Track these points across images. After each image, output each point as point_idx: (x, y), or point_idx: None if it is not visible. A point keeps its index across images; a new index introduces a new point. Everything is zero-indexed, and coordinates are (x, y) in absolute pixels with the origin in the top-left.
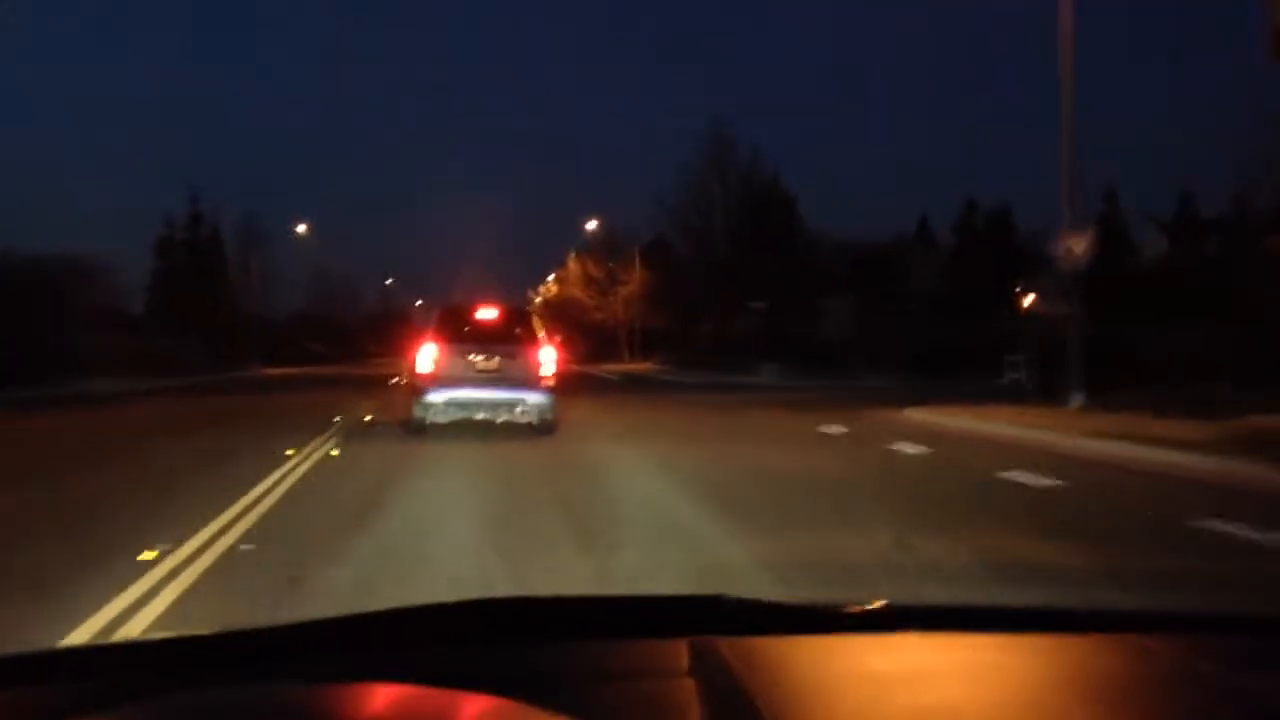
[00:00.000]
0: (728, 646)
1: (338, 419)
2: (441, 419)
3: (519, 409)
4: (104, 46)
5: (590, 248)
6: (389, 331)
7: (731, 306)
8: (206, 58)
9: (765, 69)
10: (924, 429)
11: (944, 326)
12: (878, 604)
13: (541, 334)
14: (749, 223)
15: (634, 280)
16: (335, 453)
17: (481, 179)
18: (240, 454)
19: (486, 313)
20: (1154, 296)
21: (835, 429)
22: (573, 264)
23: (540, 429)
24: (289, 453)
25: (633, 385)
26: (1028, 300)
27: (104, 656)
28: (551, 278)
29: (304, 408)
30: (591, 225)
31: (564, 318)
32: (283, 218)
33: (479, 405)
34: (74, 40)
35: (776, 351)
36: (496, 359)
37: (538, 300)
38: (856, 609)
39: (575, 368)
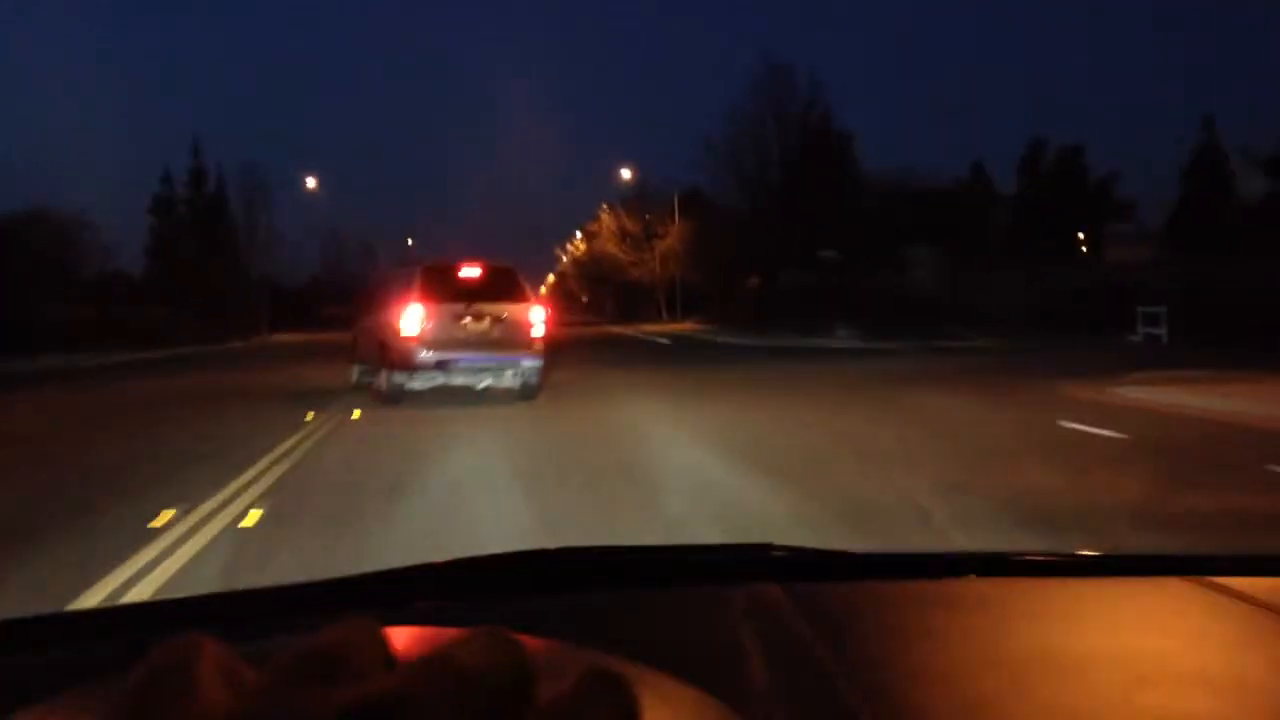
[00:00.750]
0: (787, 592)
1: (311, 416)
2: (422, 385)
3: (509, 373)
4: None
5: (624, 199)
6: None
7: (785, 258)
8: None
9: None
10: (1239, 430)
11: (1017, 276)
12: (940, 551)
13: (529, 293)
14: (802, 163)
15: (672, 233)
16: (251, 518)
17: (506, 133)
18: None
19: (471, 271)
20: (1254, 237)
21: (1090, 428)
22: (605, 217)
23: (524, 394)
24: (160, 521)
25: (689, 351)
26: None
27: (149, 613)
28: (579, 235)
29: (280, 393)
30: (625, 174)
31: (596, 276)
32: (292, 175)
33: (468, 369)
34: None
35: (851, 309)
36: (486, 320)
37: (565, 259)
38: (917, 554)
39: (611, 329)
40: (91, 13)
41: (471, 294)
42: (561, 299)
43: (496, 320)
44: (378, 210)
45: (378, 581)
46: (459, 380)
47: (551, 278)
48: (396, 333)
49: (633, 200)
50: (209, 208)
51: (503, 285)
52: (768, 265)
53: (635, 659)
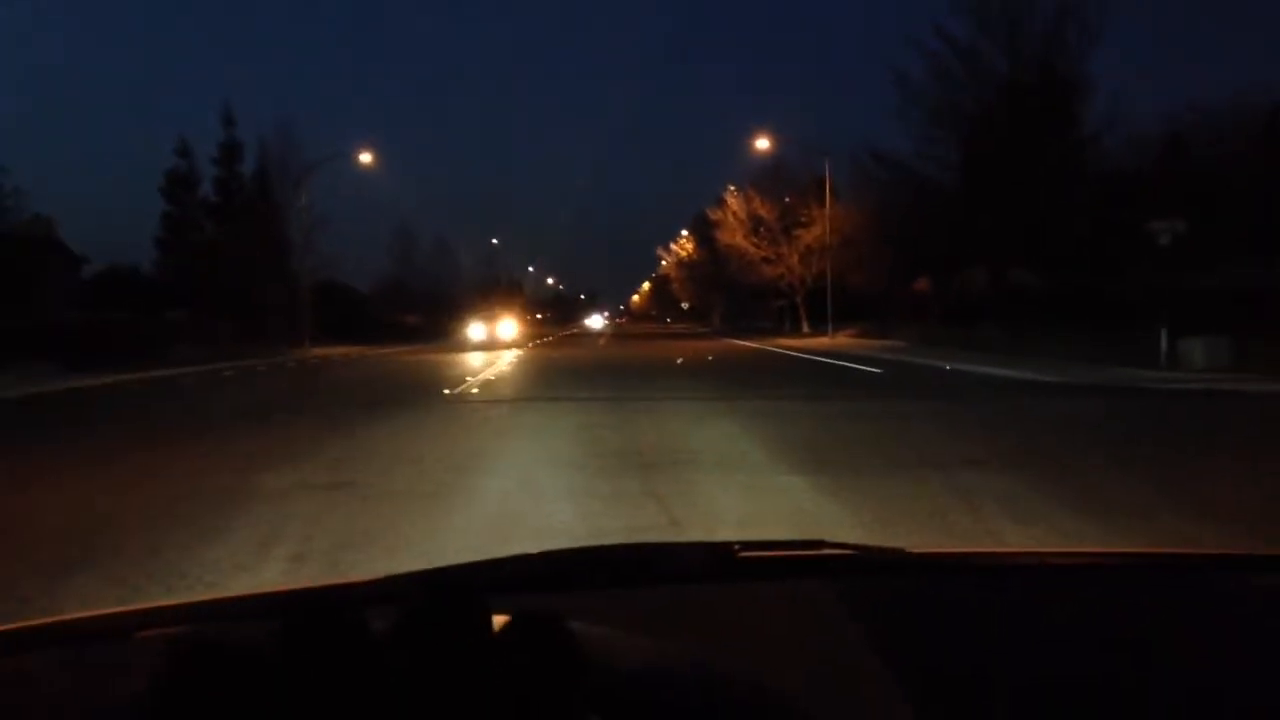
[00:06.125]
0: (839, 590)
1: None
2: None
3: None
4: None
5: (758, 179)
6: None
7: (1008, 246)
8: None
9: None
10: None
11: None
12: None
13: None
14: (1032, 116)
15: (820, 220)
16: None
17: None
18: None
19: None
20: None
21: None
22: (732, 201)
23: None
24: None
25: (967, 401)
26: None
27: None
28: (684, 233)
29: None
30: (761, 145)
31: (709, 279)
32: (343, 152)
33: None
34: None
35: (1180, 316)
36: None
37: (667, 260)
38: (967, 554)
39: (735, 344)
40: None
41: None
42: (656, 306)
43: None
44: (453, 207)
45: (423, 580)
46: None
47: (646, 285)
48: None
49: (771, 178)
50: (248, 189)
51: None
52: (991, 255)
53: (690, 652)
